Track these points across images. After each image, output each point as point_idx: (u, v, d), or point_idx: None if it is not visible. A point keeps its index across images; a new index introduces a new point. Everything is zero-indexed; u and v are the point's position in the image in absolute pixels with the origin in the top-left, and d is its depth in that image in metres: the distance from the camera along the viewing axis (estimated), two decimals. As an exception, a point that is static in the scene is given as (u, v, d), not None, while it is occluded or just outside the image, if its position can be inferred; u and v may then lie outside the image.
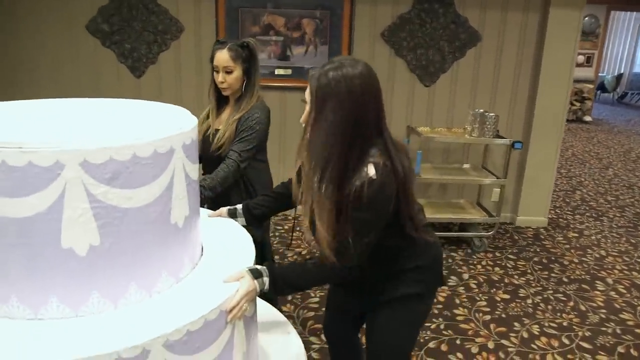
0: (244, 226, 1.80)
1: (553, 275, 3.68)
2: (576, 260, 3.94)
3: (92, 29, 4.19)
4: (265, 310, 1.92)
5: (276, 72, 4.32)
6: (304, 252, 3.86)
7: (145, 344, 1.09)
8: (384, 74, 4.28)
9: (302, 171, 1.58)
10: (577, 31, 4.17)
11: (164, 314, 1.20)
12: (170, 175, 1.24)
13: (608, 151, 8.10)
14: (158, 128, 1.23)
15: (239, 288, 1.34)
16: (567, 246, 4.21)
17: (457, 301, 3.25)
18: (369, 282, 1.64)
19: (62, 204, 1.09)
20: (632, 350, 2.81)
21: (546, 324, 3.03)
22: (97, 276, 1.16)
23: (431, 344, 2.78)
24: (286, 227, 4.30)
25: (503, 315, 3.11)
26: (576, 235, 4.47)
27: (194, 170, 1.39)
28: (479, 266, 3.77)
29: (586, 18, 10.33)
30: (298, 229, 4.03)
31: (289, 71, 4.31)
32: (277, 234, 4.17)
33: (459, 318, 3.06)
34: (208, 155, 2.32)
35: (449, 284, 3.47)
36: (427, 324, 2.96)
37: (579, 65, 7.17)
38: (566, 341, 2.87)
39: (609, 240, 4.37)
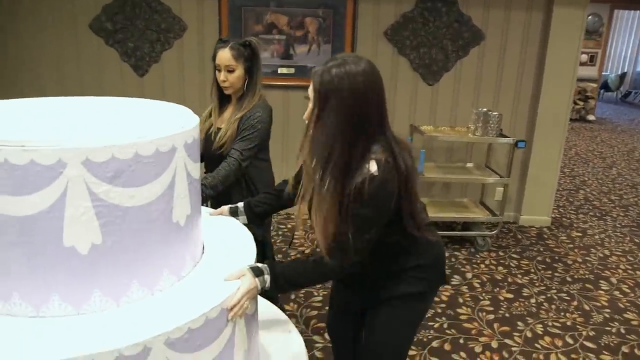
0: (245, 224, 1.80)
1: (557, 274, 3.67)
2: (580, 260, 3.92)
3: (96, 27, 4.19)
4: (266, 308, 1.93)
5: (279, 71, 4.32)
6: (307, 251, 3.86)
7: (146, 341, 1.09)
8: (387, 72, 4.28)
9: (302, 169, 1.59)
10: (580, 30, 4.16)
11: (165, 311, 1.20)
12: (172, 174, 1.24)
13: (612, 150, 8.07)
14: (160, 127, 1.23)
15: (240, 286, 1.34)
16: (571, 245, 4.20)
17: (461, 300, 3.25)
18: (370, 279, 1.64)
19: (64, 203, 1.10)
20: (636, 350, 2.80)
21: (550, 324, 3.02)
22: (99, 274, 1.17)
23: (434, 343, 2.78)
24: (289, 225, 4.30)
25: (507, 315, 3.10)
26: (580, 234, 4.45)
27: (196, 169, 1.39)
28: (482, 265, 3.77)
29: (589, 17, 10.30)
30: (301, 228, 4.05)
31: (292, 70, 4.31)
32: (280, 232, 4.18)
33: (462, 317, 3.05)
34: (210, 153, 2.32)
35: (452, 282, 3.47)
36: (430, 323, 2.96)
37: (582, 64, 7.16)
38: (570, 341, 2.86)
39: (612, 240, 4.35)
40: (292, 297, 3.19)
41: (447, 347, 2.76)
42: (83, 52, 4.27)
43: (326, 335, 2.79)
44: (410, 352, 2.69)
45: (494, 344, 2.80)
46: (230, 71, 2.24)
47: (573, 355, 2.73)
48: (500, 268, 3.73)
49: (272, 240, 3.97)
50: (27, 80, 4.33)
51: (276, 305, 2.00)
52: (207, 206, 2.11)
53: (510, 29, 4.24)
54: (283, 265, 1.48)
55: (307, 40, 4.26)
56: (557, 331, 2.95)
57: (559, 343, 2.84)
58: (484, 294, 3.34)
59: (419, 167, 3.96)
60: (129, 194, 1.15)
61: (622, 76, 13.32)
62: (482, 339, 2.85)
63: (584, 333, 2.94)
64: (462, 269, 3.68)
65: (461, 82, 4.37)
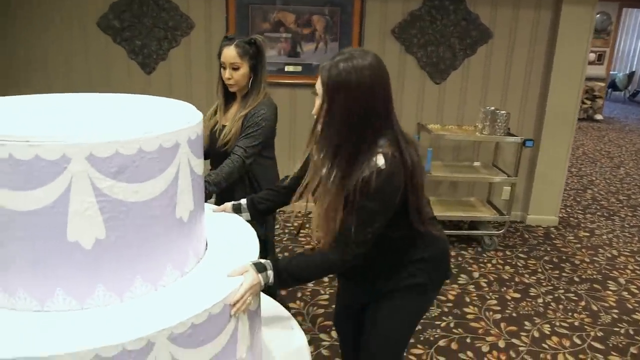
0: (248, 221, 1.80)
1: (564, 274, 3.64)
2: (587, 260, 3.90)
3: (104, 25, 4.22)
4: (269, 305, 1.93)
5: (286, 69, 4.32)
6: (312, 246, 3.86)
7: (150, 336, 1.09)
8: (394, 71, 4.26)
9: (306, 164, 1.60)
10: (589, 29, 4.12)
11: (168, 307, 1.20)
12: (175, 170, 1.24)
13: (619, 150, 8.01)
14: (164, 123, 1.23)
15: (243, 282, 1.34)
16: (578, 245, 4.17)
17: (468, 299, 3.23)
18: (373, 272, 1.64)
19: (68, 198, 1.10)
20: (643, 351, 2.78)
21: (557, 324, 3.00)
22: (103, 269, 1.17)
23: (441, 342, 2.77)
24: (295, 224, 4.30)
25: (514, 314, 3.08)
26: (587, 234, 4.42)
27: (199, 165, 1.39)
28: (489, 265, 3.75)
29: (598, 15, 10.22)
30: (308, 226, 4.03)
31: (299, 68, 4.31)
32: (286, 230, 4.18)
33: (469, 316, 3.04)
34: (215, 151, 2.33)
35: (459, 282, 3.46)
36: (437, 322, 2.95)
37: (590, 63, 7.08)
38: (578, 341, 2.84)
39: (620, 240, 4.32)
40: (299, 295, 3.19)
41: (454, 346, 2.75)
42: (91, 49, 4.29)
43: (333, 334, 2.79)
44: (417, 351, 2.68)
45: (501, 344, 2.79)
46: (236, 69, 2.24)
47: (581, 356, 2.71)
48: (507, 267, 3.71)
49: (279, 238, 3.98)
50: (35, 78, 4.36)
51: (275, 299, 2.01)
52: (214, 202, 2.12)
53: (518, 27, 4.21)
54: (286, 260, 1.49)
55: (314, 38, 4.25)
56: (565, 331, 2.93)
57: (567, 343, 2.82)
58: (490, 294, 3.32)
59: (427, 165, 3.95)
60: (132, 190, 1.16)
61: (631, 75, 13.20)
62: (489, 338, 2.84)
63: (592, 333, 2.92)
64: (469, 268, 3.67)
65: (469, 81, 4.35)
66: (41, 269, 1.14)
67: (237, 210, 1.86)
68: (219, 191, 2.18)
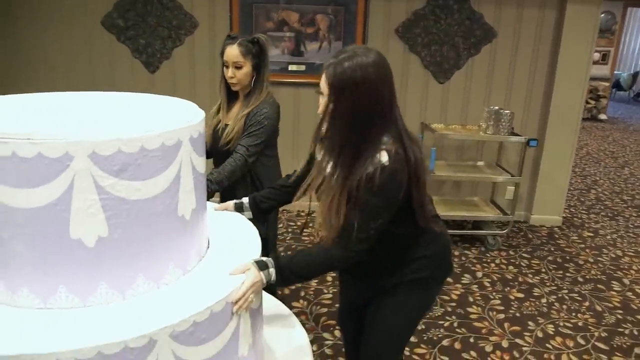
0: (249, 220, 1.80)
1: (568, 274, 3.63)
2: (591, 260, 3.88)
3: (108, 24, 4.23)
4: (270, 303, 1.93)
5: (290, 68, 4.32)
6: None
7: (152, 334, 1.10)
8: (398, 70, 4.26)
9: (311, 162, 1.61)
10: (594, 28, 4.11)
11: (171, 305, 1.20)
12: (177, 168, 1.24)
13: (624, 150, 7.97)
14: (166, 121, 1.23)
15: (244, 280, 1.34)
16: (582, 245, 4.15)
17: (471, 299, 3.23)
18: (376, 268, 1.64)
19: (70, 195, 1.10)
20: (648, 352, 2.77)
21: (561, 324, 2.99)
22: (105, 267, 1.17)
23: (444, 342, 2.76)
24: (299, 223, 4.30)
25: (517, 314, 3.08)
26: (591, 234, 4.40)
27: (201, 163, 1.39)
28: (492, 264, 3.74)
29: (602, 14, 10.17)
30: (311, 225, 4.03)
31: (303, 67, 4.31)
32: (289, 230, 4.18)
33: (472, 316, 3.03)
34: (217, 150, 2.33)
35: (463, 281, 3.45)
36: (440, 322, 2.95)
37: (594, 62, 7.07)
38: (582, 341, 2.83)
39: (625, 240, 4.30)
40: (302, 294, 3.19)
41: (457, 345, 2.74)
42: (95, 48, 4.30)
43: (336, 333, 2.79)
44: (420, 351, 2.68)
45: (505, 344, 2.78)
46: (238, 67, 2.24)
47: (585, 356, 2.70)
48: (510, 267, 3.70)
49: (282, 237, 3.98)
50: (39, 77, 4.37)
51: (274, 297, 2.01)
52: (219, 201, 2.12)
53: (522, 26, 4.20)
54: (287, 257, 1.49)
55: (317, 38, 4.25)
56: (569, 332, 2.92)
57: (571, 344, 2.81)
58: (494, 293, 3.31)
59: (430, 165, 3.94)
60: (135, 187, 1.16)
61: (635, 75, 13.13)
62: (492, 338, 2.83)
63: (596, 334, 2.91)
64: (473, 268, 3.66)
65: (472, 80, 4.34)
66: (44, 266, 1.14)
67: (239, 208, 1.86)
68: (221, 190, 2.19)
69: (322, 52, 4.27)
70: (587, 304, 3.24)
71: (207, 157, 2.14)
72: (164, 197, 1.22)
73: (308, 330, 2.80)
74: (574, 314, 3.11)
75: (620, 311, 3.17)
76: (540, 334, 2.88)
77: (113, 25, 4.23)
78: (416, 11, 4.17)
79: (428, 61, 4.29)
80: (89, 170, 1.10)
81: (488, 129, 3.95)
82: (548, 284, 3.48)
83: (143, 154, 1.15)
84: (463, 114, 4.41)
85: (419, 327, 2.87)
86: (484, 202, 4.43)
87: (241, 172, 2.24)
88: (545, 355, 2.69)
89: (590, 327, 2.98)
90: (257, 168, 2.33)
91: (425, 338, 2.79)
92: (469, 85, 4.34)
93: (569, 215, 4.82)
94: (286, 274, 1.44)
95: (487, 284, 3.43)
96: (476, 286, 3.40)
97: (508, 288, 3.39)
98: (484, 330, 2.90)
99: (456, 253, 3.89)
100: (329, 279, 3.38)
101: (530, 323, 2.99)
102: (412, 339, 2.76)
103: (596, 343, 2.82)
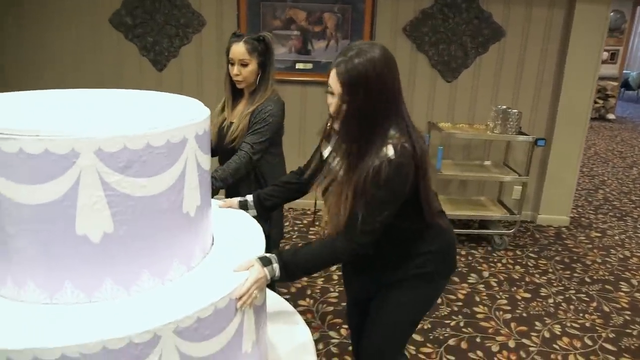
0: (254, 217, 1.81)
1: (575, 275, 3.61)
2: (599, 261, 3.86)
3: (116, 22, 4.25)
4: (273, 300, 1.94)
5: (297, 66, 4.32)
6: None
7: (156, 329, 1.11)
8: (405, 69, 4.25)
9: (315, 159, 1.63)
10: (603, 27, 4.07)
11: (175, 301, 1.21)
12: (182, 165, 1.25)
13: (632, 150, 7.91)
14: (172, 118, 1.24)
15: (248, 276, 1.35)
16: (590, 246, 4.13)
17: (477, 299, 3.22)
18: (381, 262, 1.65)
19: (76, 192, 1.11)
20: (655, 353, 2.75)
21: (568, 324, 2.98)
22: (111, 263, 1.18)
23: (451, 342, 2.76)
24: (305, 221, 4.31)
25: (524, 314, 3.06)
26: (599, 235, 4.38)
27: (206, 160, 1.40)
28: (499, 264, 3.73)
29: (612, 13, 10.09)
30: (317, 223, 4.05)
31: (310, 65, 4.31)
32: (295, 228, 4.18)
33: (479, 316, 3.03)
34: (222, 147, 2.33)
35: (469, 281, 3.44)
36: (446, 321, 2.94)
37: (603, 61, 6.98)
38: (589, 342, 2.82)
39: (633, 241, 4.27)
40: (308, 292, 3.20)
41: (463, 345, 2.74)
42: (103, 46, 4.33)
43: (342, 331, 2.80)
44: (427, 350, 2.67)
45: (511, 344, 2.77)
46: (244, 65, 2.25)
47: (592, 357, 2.68)
48: (517, 267, 3.69)
49: (289, 235, 3.98)
50: (46, 75, 4.40)
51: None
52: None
53: (531, 25, 4.18)
54: (291, 252, 1.49)
55: (325, 36, 4.25)
56: (576, 332, 2.90)
57: (578, 344, 2.79)
58: (501, 293, 3.30)
59: (437, 164, 3.93)
60: (140, 184, 1.17)
61: (644, 74, 13.05)
62: (499, 338, 2.82)
63: (604, 335, 2.89)
64: (479, 267, 3.65)
65: (480, 79, 4.32)
66: (50, 262, 1.15)
67: (243, 206, 1.87)
68: (225, 187, 2.19)
69: (329, 50, 4.27)
70: (594, 304, 3.22)
71: (212, 155, 2.15)
72: (169, 194, 1.23)
73: (314, 329, 2.80)
74: (581, 314, 3.09)
75: (629, 312, 3.14)
76: (547, 334, 2.87)
77: (121, 23, 4.25)
78: (424, 10, 4.16)
79: (436, 60, 4.27)
80: (95, 167, 1.11)
81: (495, 128, 3.94)
82: (555, 284, 3.46)
83: (148, 150, 1.16)
84: (470, 113, 4.39)
85: (425, 327, 2.87)
86: (491, 201, 4.42)
87: (246, 170, 2.24)
88: (552, 356, 2.68)
89: (597, 327, 2.96)
90: (261, 166, 2.33)
91: (431, 337, 2.78)
92: (477, 84, 4.33)
93: (576, 216, 4.79)
94: (291, 269, 1.45)
95: (494, 284, 3.42)
96: (483, 286, 3.39)
97: (515, 288, 3.38)
98: (490, 330, 2.89)
99: (463, 252, 3.88)
100: (335, 277, 3.38)
101: (537, 323, 2.98)
102: (418, 338, 2.76)
103: (604, 344, 2.81)
